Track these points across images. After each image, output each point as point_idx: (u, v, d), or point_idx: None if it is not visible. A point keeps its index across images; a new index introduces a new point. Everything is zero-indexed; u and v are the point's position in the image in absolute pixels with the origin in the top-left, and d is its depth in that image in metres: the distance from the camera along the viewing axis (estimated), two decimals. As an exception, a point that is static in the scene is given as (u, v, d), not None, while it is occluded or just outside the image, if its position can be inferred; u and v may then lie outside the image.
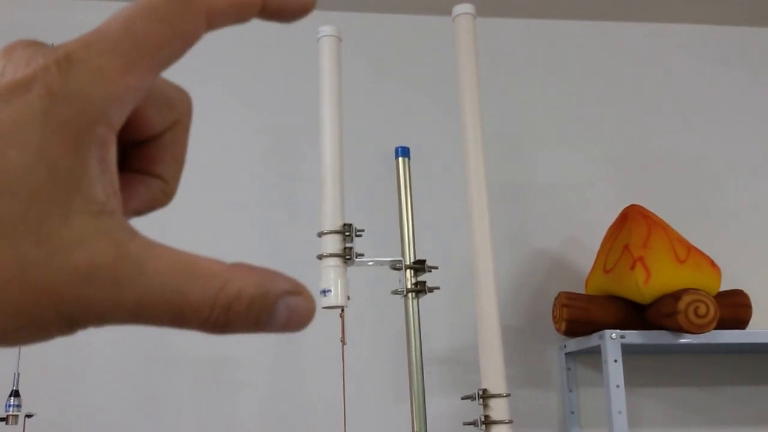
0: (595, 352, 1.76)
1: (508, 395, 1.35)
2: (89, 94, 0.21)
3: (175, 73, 0.24)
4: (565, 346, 1.92)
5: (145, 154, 0.25)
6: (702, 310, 1.63)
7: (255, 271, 0.22)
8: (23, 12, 2.03)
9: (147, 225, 0.26)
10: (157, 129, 0.25)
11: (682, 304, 1.63)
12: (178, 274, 0.21)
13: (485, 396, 1.35)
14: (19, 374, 1.46)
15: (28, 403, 1.46)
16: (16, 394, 1.45)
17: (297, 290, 0.22)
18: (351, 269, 1.37)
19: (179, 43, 0.22)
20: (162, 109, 0.25)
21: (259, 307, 0.21)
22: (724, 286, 1.79)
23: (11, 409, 1.44)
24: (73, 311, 0.20)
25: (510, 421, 1.33)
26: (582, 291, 1.92)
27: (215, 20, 0.23)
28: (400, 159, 1.51)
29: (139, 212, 0.26)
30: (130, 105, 0.22)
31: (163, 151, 0.25)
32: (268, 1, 0.23)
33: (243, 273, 0.21)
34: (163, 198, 0.26)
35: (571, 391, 1.93)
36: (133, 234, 0.21)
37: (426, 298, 1.43)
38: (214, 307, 0.21)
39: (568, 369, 1.93)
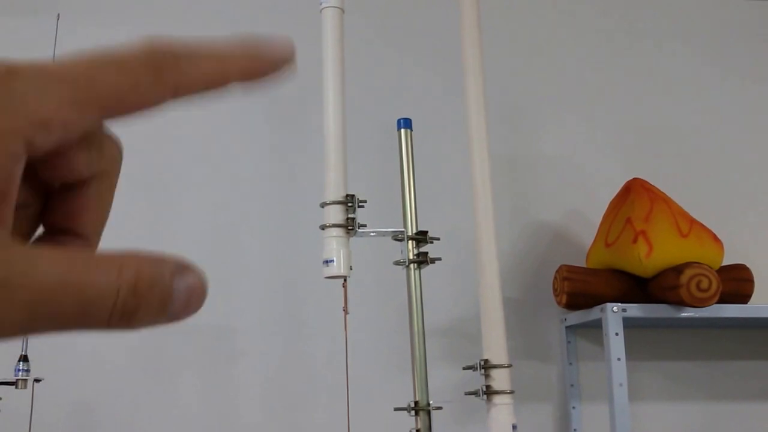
0: (596, 326, 1.77)
1: (509, 366, 1.36)
2: (17, 109, 0.19)
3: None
4: (565, 320, 1.92)
5: (68, 204, 0.24)
6: (704, 284, 1.63)
7: (145, 253, 0.21)
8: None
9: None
10: (83, 173, 0.23)
11: (684, 278, 1.63)
12: (74, 265, 0.20)
13: (487, 366, 1.36)
14: (27, 339, 1.47)
15: (36, 368, 1.48)
16: (24, 359, 1.48)
17: (188, 266, 0.21)
18: (353, 240, 1.38)
19: (134, 102, 0.21)
20: (91, 154, 0.23)
21: (160, 286, 0.20)
22: (727, 261, 1.79)
23: (20, 373, 1.46)
24: None
25: (511, 391, 1.34)
26: (583, 264, 1.92)
27: (183, 92, 0.22)
28: (403, 130, 1.51)
29: None
30: (56, 136, 0.20)
31: (86, 203, 0.24)
32: (242, 72, 0.23)
33: (134, 255, 0.21)
34: None
35: (571, 364, 1.94)
36: (17, 241, 0.20)
37: (428, 270, 1.44)
38: (120, 289, 0.20)
39: (569, 342, 1.94)
